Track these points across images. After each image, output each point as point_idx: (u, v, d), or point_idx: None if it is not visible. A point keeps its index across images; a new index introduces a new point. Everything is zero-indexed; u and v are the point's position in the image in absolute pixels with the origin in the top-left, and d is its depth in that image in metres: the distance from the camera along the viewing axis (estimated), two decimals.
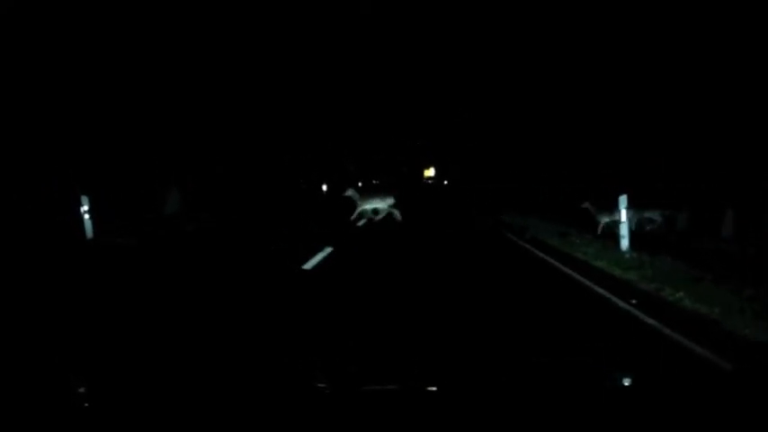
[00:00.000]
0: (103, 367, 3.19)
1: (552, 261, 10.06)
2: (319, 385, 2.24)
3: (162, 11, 17.71)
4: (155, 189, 19.41)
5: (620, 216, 10.86)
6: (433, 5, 36.12)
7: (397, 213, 17.27)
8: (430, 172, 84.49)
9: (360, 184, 68.21)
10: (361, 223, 18.02)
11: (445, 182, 72.01)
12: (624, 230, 10.67)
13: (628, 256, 9.92)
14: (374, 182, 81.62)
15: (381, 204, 17.63)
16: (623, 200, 10.79)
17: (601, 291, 7.34)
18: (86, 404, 2.05)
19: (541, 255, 10.91)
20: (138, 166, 19.24)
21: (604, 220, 14.20)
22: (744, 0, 12.97)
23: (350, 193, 17.89)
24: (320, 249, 11.21)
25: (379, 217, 17.40)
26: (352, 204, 17.73)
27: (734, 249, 11.48)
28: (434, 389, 2.23)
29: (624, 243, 10.59)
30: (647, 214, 14.65)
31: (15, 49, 15.25)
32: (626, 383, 2.39)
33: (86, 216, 13.30)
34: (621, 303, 6.58)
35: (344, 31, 33.50)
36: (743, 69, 12.99)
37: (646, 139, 16.65)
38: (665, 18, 14.72)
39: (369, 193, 18.07)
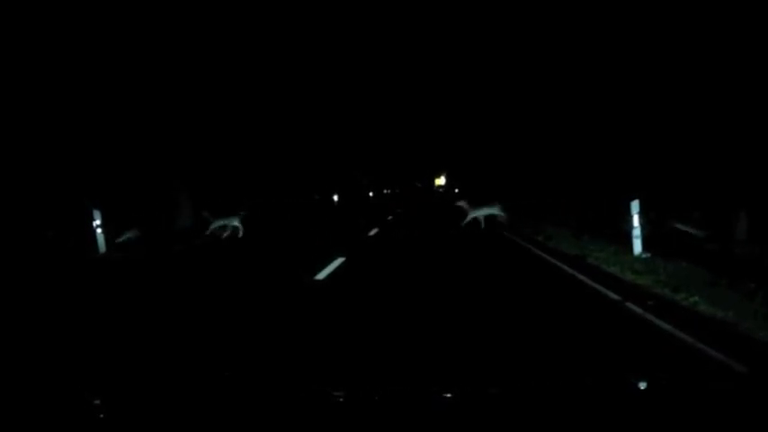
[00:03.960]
0: (116, 378, 3.21)
1: (564, 266, 10.03)
2: (334, 393, 2.24)
3: (177, 26, 17.87)
4: (168, 202, 19.52)
5: (632, 221, 10.80)
6: (449, 12, 36.25)
7: (239, 228, 17.97)
8: (441, 180, 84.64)
9: (371, 194, 68.42)
10: (372, 233, 18.06)
11: (456, 190, 72.08)
12: (637, 234, 10.62)
13: (641, 259, 9.87)
14: (385, 191, 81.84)
15: (228, 222, 18.23)
16: (635, 205, 10.74)
17: (615, 296, 7.31)
18: (101, 415, 2.06)
19: (553, 260, 10.87)
20: (150, 179, 19.35)
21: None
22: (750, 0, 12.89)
23: (207, 215, 18.25)
24: (332, 259, 11.24)
25: (227, 232, 17.90)
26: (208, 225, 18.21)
27: (748, 252, 11.38)
28: (449, 395, 2.22)
29: (637, 247, 10.54)
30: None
31: (24, 59, 15.40)
32: (642, 387, 2.38)
33: (99, 231, 13.39)
34: (636, 308, 6.54)
35: (357, 43, 33.69)
36: (757, 67, 12.90)
37: (656, 142, 16.58)
38: (680, 16, 14.68)
39: (222, 215, 18.56)
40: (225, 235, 17.70)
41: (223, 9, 19.52)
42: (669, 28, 14.99)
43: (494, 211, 18.89)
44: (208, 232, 17.59)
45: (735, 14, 13.09)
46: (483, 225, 18.18)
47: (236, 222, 17.85)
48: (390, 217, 26.90)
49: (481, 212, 18.72)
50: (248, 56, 22.03)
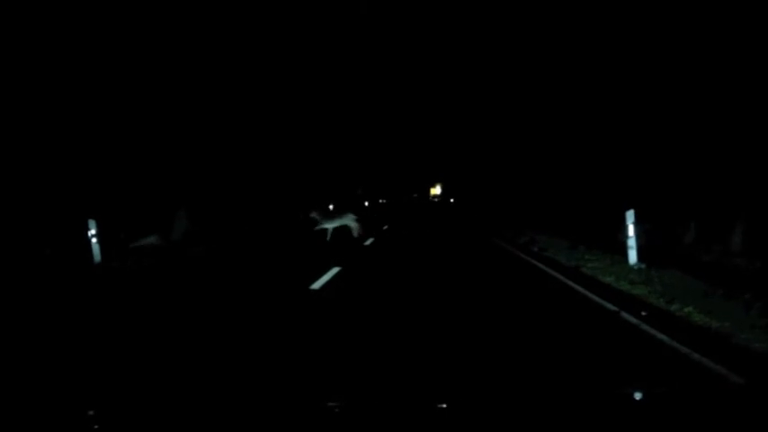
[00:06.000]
0: (114, 390, 3.19)
1: (561, 277, 10.04)
2: (330, 404, 2.24)
3: (175, 36, 17.90)
4: (163, 211, 19.46)
5: (627, 231, 10.81)
6: (444, 24, 36.45)
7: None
8: (436, 190, 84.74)
9: (366, 203, 68.54)
10: (368, 243, 18.04)
11: (451, 200, 72.15)
12: (632, 244, 10.63)
13: (636, 270, 9.88)
14: (380, 201, 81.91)
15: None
16: (630, 214, 10.76)
17: (610, 306, 7.31)
18: (97, 427, 2.05)
19: (549, 270, 10.88)
20: (146, 188, 19.30)
21: (325, 226, 18.01)
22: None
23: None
24: (328, 269, 11.24)
25: None
26: None
27: (743, 262, 11.40)
28: (444, 406, 2.22)
29: (632, 257, 10.55)
30: (341, 222, 18.33)
31: (20, 65, 15.37)
32: (638, 398, 2.38)
33: (94, 240, 13.33)
34: (632, 319, 6.54)
35: (354, 53, 33.87)
36: (753, 80, 12.93)
37: (652, 153, 16.63)
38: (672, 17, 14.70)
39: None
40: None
41: (220, 24, 19.60)
42: (664, 37, 15.06)
43: (347, 221, 19.06)
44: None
45: (730, 24, 13.15)
46: (329, 237, 18.13)
47: None
48: (386, 227, 26.89)
49: (333, 224, 18.89)
50: (244, 65, 22.08)
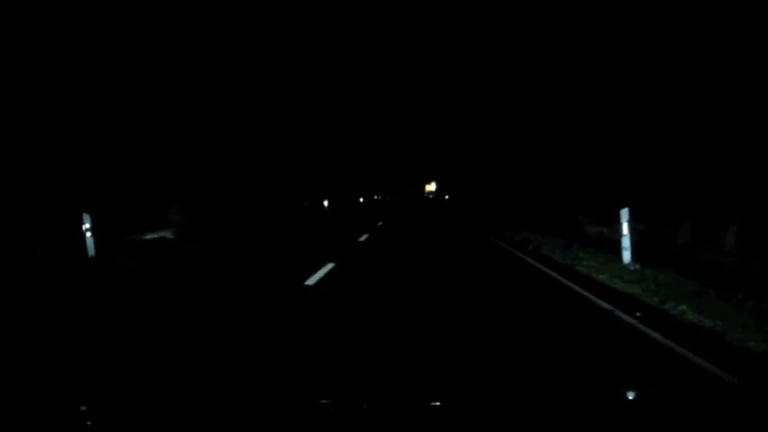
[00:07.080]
0: (107, 389, 3.17)
1: (555, 275, 10.04)
2: (323, 401, 2.23)
3: (168, 28, 17.84)
4: (158, 207, 19.43)
5: (621, 229, 10.81)
6: (440, 22, 36.51)
7: None
8: (431, 187, 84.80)
9: (361, 200, 68.46)
10: (362, 238, 18.05)
11: (446, 196, 72.21)
12: (626, 243, 10.63)
13: (630, 269, 9.89)
14: (375, 197, 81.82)
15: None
16: (625, 213, 10.77)
17: (605, 305, 7.31)
18: (90, 423, 2.04)
19: (544, 269, 10.88)
20: (141, 184, 19.26)
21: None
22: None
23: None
24: (322, 265, 11.22)
25: None
26: None
27: (737, 262, 11.42)
28: (438, 404, 2.22)
29: (626, 256, 10.56)
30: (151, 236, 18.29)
31: (15, 57, 15.29)
32: (630, 397, 2.38)
33: (88, 234, 13.27)
34: (626, 317, 6.55)
35: (349, 51, 33.90)
36: (745, 84, 12.96)
37: (647, 155, 16.66)
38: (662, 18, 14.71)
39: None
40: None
41: (218, 22, 19.56)
42: (659, 37, 15.08)
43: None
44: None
45: (725, 26, 13.18)
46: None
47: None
48: (380, 223, 26.93)
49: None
50: (242, 62, 22.05)
